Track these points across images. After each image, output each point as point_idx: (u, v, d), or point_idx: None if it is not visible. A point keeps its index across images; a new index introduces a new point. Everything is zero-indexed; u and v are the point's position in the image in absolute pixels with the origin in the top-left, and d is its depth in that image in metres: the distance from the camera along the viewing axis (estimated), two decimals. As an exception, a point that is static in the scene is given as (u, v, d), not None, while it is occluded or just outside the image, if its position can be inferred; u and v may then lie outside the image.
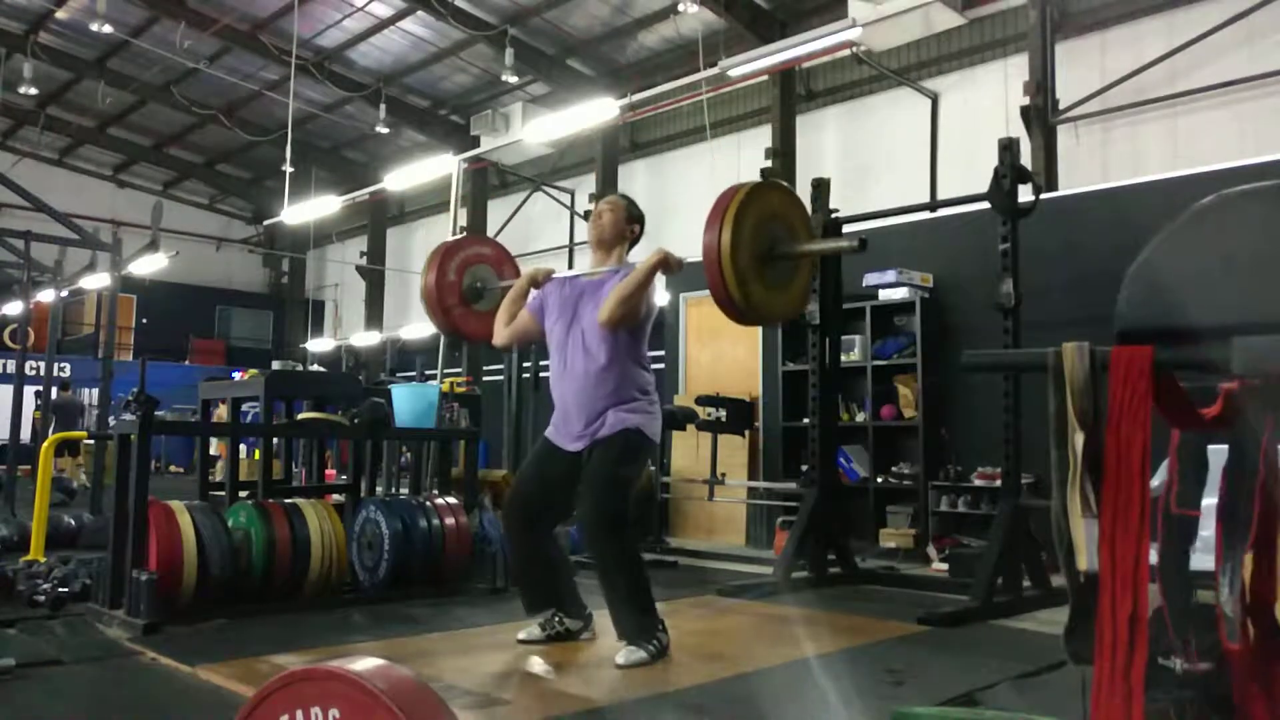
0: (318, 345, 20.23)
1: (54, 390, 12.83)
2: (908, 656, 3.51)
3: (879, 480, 6.73)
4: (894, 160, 11.58)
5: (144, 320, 21.29)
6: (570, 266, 11.75)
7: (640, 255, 3.65)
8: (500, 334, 3.81)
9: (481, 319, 4.18)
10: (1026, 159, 6.53)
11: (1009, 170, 4.56)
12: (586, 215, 13.69)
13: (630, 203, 3.76)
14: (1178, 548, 1.65)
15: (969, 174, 9.25)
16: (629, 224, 3.69)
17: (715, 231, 3.17)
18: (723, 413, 6.82)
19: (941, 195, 10.58)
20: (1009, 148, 4.61)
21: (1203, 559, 1.70)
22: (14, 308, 10.99)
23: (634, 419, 3.46)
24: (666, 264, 3.45)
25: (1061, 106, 9.70)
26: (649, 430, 3.52)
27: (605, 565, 3.44)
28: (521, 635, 3.61)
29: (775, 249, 3.31)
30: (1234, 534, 1.57)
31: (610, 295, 3.46)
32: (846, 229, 5.54)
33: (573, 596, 3.67)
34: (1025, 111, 9.68)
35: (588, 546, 3.54)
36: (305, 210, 14.03)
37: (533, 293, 3.77)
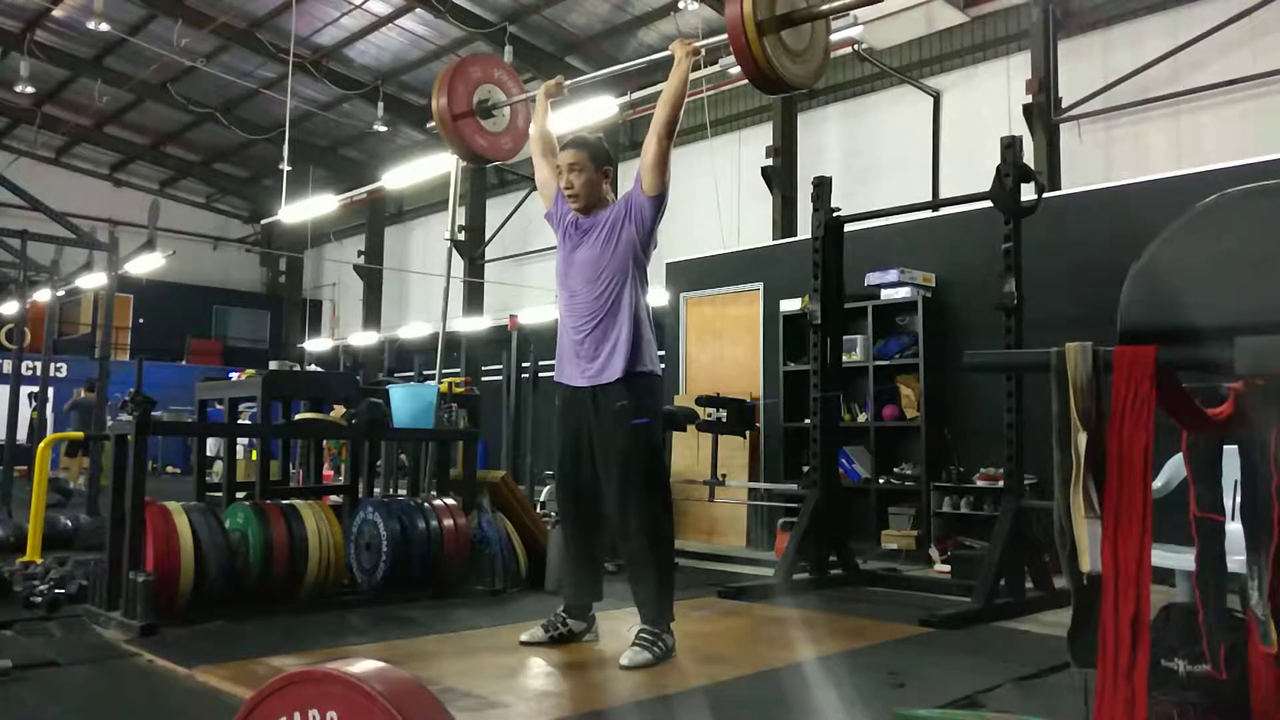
0: (315, 345, 20.22)
1: (80, 390, 12.83)
2: (909, 658, 3.50)
3: (880, 481, 6.71)
4: (896, 159, 11.56)
5: (141, 320, 21.26)
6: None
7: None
8: (535, 139, 3.83)
9: (491, 138, 4.25)
10: (1029, 158, 6.52)
11: (1011, 169, 4.54)
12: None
13: (592, 146, 3.59)
14: (1211, 552, 1.64)
15: (971, 173, 9.26)
16: (599, 170, 3.56)
17: (737, 2, 3.22)
18: (723, 413, 6.80)
19: (944, 194, 10.57)
20: (1011, 146, 4.59)
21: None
22: (10, 307, 10.97)
23: (639, 360, 3.42)
24: (694, 54, 3.46)
25: (1064, 105, 9.69)
26: (654, 367, 3.49)
27: (643, 537, 3.37)
28: (524, 637, 3.58)
29: (794, 12, 3.35)
30: (1256, 535, 1.56)
31: (657, 109, 3.43)
32: (848, 229, 5.53)
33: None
34: (1028, 110, 9.67)
35: (625, 516, 3.40)
36: (303, 209, 14.00)
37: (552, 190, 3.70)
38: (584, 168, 3.53)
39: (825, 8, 3.42)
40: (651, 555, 3.40)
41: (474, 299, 15.85)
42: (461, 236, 14.46)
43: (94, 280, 9.98)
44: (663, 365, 3.64)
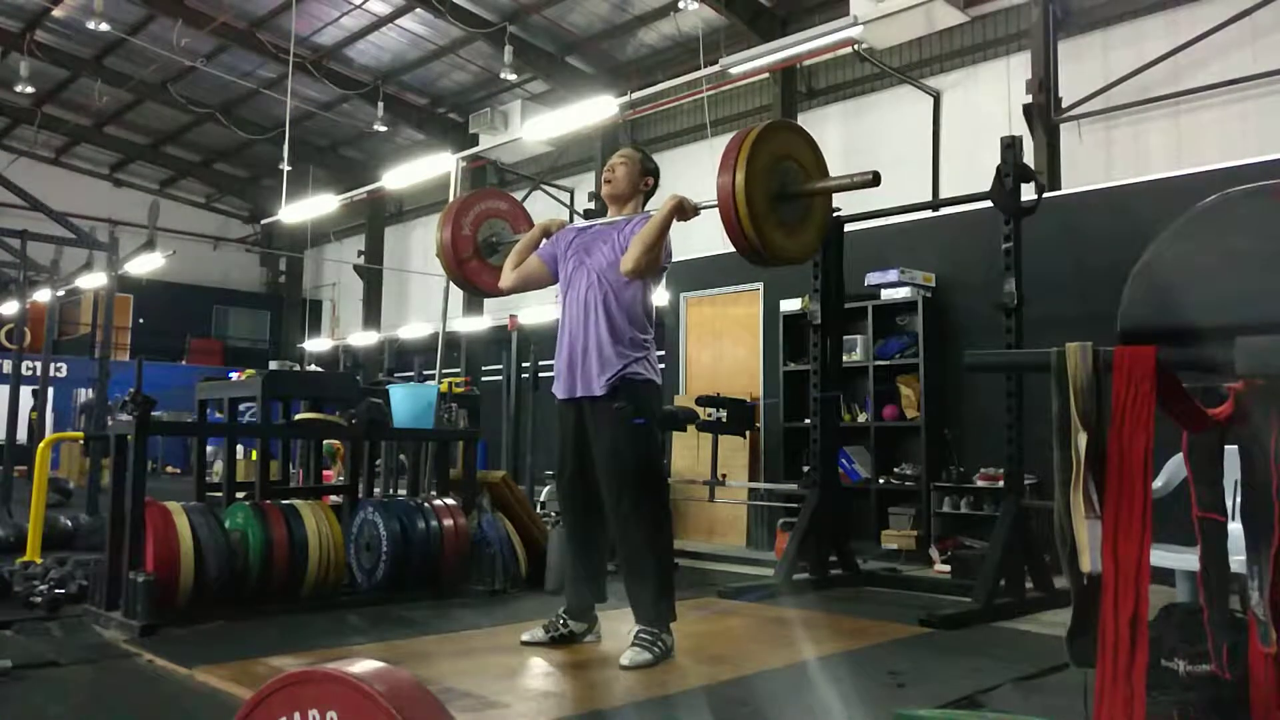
0: (315, 345, 20.20)
1: (86, 390, 12.82)
2: (910, 658, 3.49)
3: (881, 481, 6.71)
4: (896, 159, 11.53)
5: (141, 320, 21.24)
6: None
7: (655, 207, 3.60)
8: (506, 277, 3.80)
9: (496, 273, 4.13)
10: (1029, 157, 6.50)
11: (1011, 169, 4.54)
12: (586, 214, 13.72)
13: (644, 155, 3.75)
14: (1213, 552, 1.64)
15: (971, 173, 9.24)
16: (643, 176, 3.68)
17: (729, 173, 3.11)
18: (723, 413, 6.80)
19: (944, 194, 10.56)
20: (1011, 146, 4.59)
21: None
22: (10, 307, 10.96)
23: (639, 368, 3.45)
24: (682, 209, 3.43)
25: (1064, 105, 9.67)
26: (654, 375, 3.51)
27: (639, 540, 3.37)
28: (525, 637, 3.59)
29: (788, 188, 3.26)
30: (1256, 535, 1.55)
31: (632, 245, 3.42)
32: (848, 229, 5.53)
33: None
34: (1028, 110, 9.66)
35: (623, 520, 3.41)
36: (303, 209, 14.00)
37: (544, 242, 3.78)
38: (631, 163, 3.68)
39: (823, 185, 3.30)
40: (651, 555, 3.40)
41: (474, 299, 15.83)
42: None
43: (94, 280, 9.99)
44: (661, 365, 3.64)
